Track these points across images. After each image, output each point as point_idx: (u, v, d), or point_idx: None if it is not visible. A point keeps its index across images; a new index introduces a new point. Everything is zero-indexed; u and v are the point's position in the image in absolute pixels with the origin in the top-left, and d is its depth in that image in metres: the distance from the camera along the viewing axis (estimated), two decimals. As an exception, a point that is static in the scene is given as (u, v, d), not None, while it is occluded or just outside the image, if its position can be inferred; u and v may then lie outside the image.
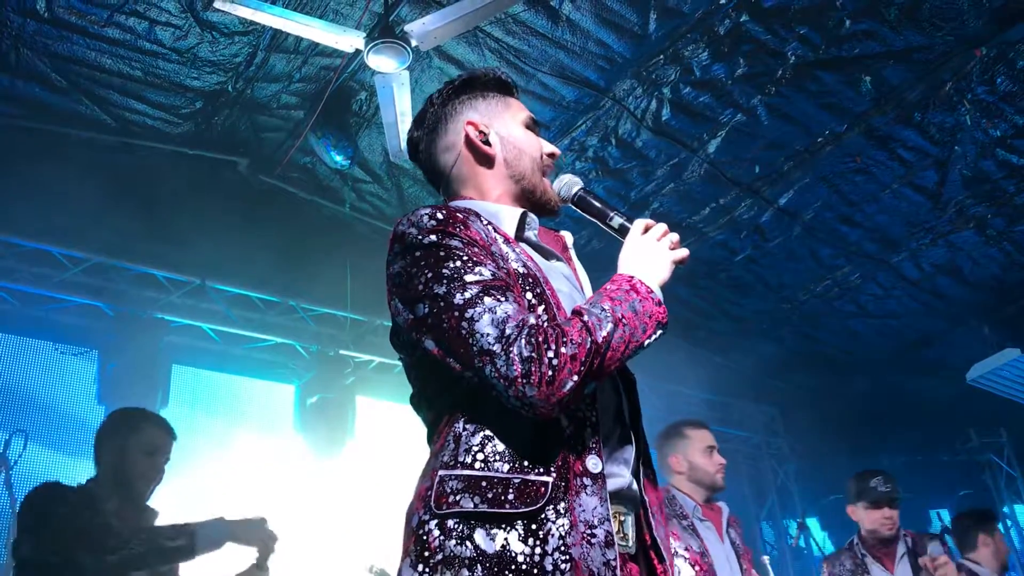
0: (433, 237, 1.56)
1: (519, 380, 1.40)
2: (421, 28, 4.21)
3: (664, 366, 7.64)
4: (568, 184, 1.88)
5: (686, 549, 3.49)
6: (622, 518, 1.57)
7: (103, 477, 3.20)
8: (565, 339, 1.44)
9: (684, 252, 1.71)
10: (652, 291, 1.59)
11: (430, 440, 1.62)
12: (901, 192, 6.05)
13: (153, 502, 3.36)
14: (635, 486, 1.62)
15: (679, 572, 1.81)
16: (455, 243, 1.55)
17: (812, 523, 9.14)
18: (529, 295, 1.58)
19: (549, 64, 5.11)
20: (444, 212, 1.61)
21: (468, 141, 1.87)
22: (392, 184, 6.24)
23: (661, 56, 5.07)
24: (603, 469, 1.49)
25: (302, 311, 6.36)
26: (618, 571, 1.40)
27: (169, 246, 5.66)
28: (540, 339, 1.43)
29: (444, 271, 1.51)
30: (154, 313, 5.68)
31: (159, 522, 3.32)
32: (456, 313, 1.47)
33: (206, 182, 5.85)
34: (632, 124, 5.56)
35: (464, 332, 1.46)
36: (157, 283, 5.75)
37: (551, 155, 1.92)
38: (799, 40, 4.88)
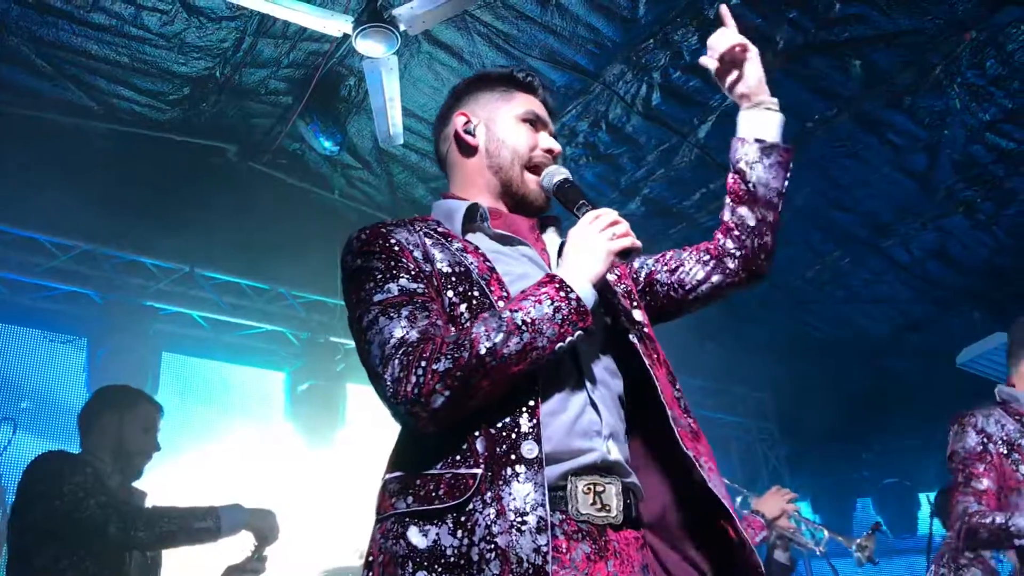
0: (358, 261, 1.65)
1: (391, 399, 1.47)
2: (409, 12, 4.18)
3: (655, 352, 7.64)
4: (551, 174, 1.86)
5: None
6: (600, 488, 1.56)
7: (100, 452, 3.19)
8: (439, 354, 1.46)
9: (625, 242, 1.64)
10: (570, 291, 1.55)
11: None
12: (891, 177, 6.05)
13: (141, 485, 3.36)
14: (614, 456, 1.61)
15: None
16: (373, 263, 1.62)
17: (804, 507, 9.19)
18: (450, 293, 1.60)
19: (538, 49, 5.09)
20: (368, 232, 1.68)
21: (455, 131, 1.93)
22: (381, 170, 6.21)
23: (651, 40, 5.05)
24: (539, 454, 1.46)
25: (292, 298, 6.35)
26: (549, 556, 1.39)
27: (157, 233, 5.63)
28: (412, 357, 1.46)
29: (361, 294, 1.60)
30: (143, 300, 5.66)
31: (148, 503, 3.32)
32: (363, 337, 1.56)
33: (194, 168, 5.82)
34: (622, 109, 5.54)
35: (365, 355, 1.55)
36: (146, 270, 5.73)
37: (548, 151, 1.91)
38: (789, 24, 4.86)
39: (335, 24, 4.28)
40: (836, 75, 5.21)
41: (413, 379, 1.44)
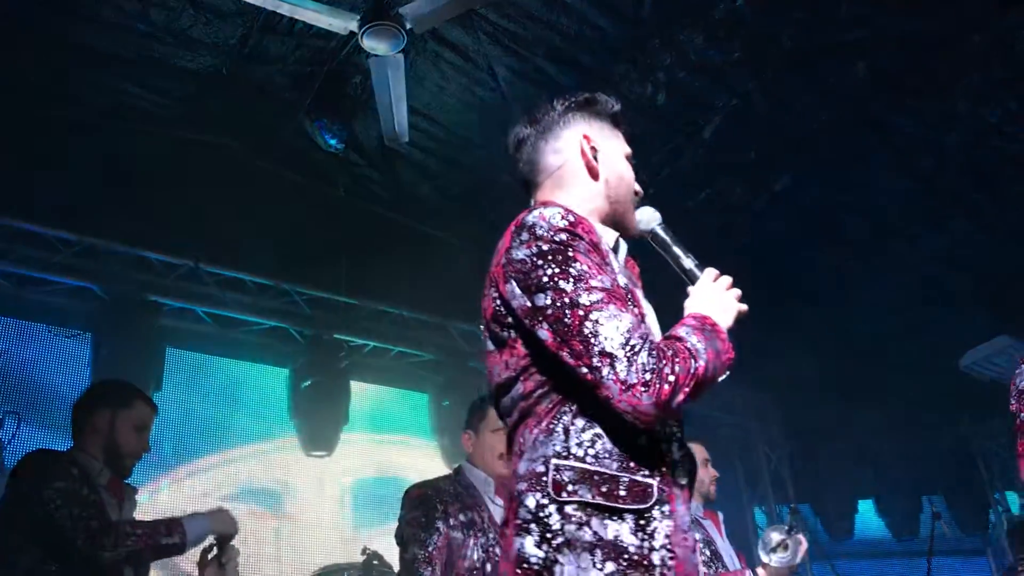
0: (563, 236, 1.68)
1: (637, 388, 1.55)
2: (415, 10, 4.18)
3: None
4: (648, 219, 2.02)
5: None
6: None
7: (92, 449, 3.19)
8: (678, 359, 1.59)
9: (745, 307, 1.87)
10: (726, 337, 1.75)
11: (519, 424, 1.74)
12: (897, 179, 6.05)
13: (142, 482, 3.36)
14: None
15: None
16: (582, 246, 1.69)
17: (805, 509, 9.18)
18: (635, 311, 1.71)
19: (544, 48, 5.09)
20: (574, 216, 1.73)
21: (580, 152, 1.99)
22: (387, 168, 6.22)
23: (656, 40, 5.04)
24: (688, 482, 1.68)
25: (296, 294, 6.35)
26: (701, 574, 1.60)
27: (162, 229, 5.64)
28: (660, 354, 1.58)
29: (571, 270, 1.64)
30: (147, 296, 5.66)
31: (139, 497, 3.33)
32: (581, 312, 1.60)
33: (199, 165, 5.83)
34: (627, 109, 5.53)
35: (587, 331, 1.59)
36: (150, 266, 5.74)
37: (638, 192, 2.05)
38: (795, 25, 4.86)
39: (341, 22, 4.28)
40: (842, 76, 5.21)
41: (665, 375, 1.55)
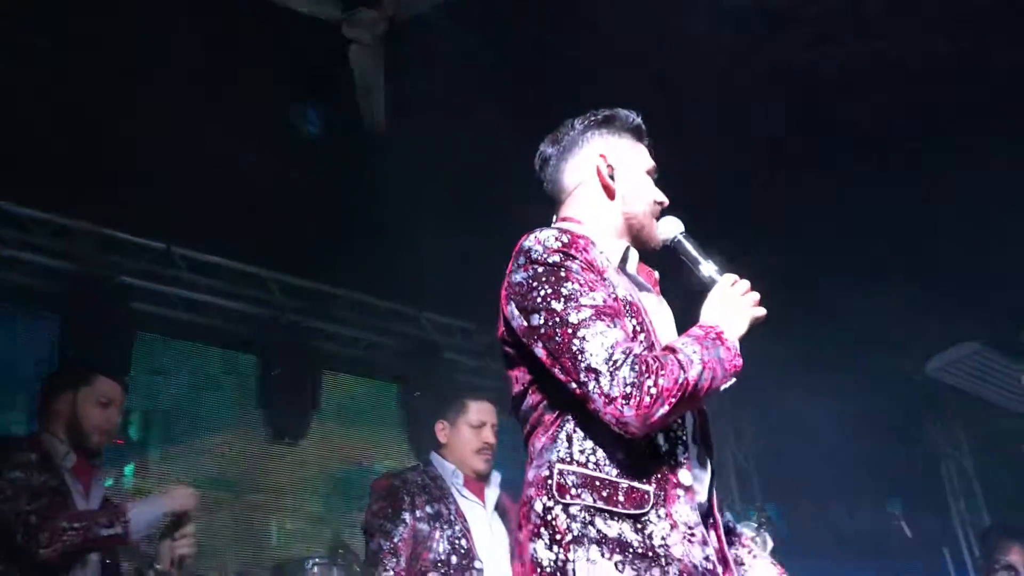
0: (556, 257, 1.80)
1: (619, 401, 1.64)
2: (400, -2, 4.16)
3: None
4: (670, 230, 2.10)
5: None
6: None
7: (56, 431, 3.15)
8: (663, 371, 1.67)
9: (762, 312, 1.93)
10: (735, 344, 1.82)
11: (531, 433, 1.88)
12: (874, 181, 6.09)
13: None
14: (706, 502, 1.88)
15: None
16: (575, 266, 1.79)
17: (771, 509, 9.25)
18: (633, 323, 1.81)
19: (535, 42, 5.05)
20: (568, 236, 1.85)
21: (596, 171, 2.09)
22: (365, 156, 6.15)
23: (652, 38, 5.03)
24: (693, 483, 1.76)
25: (269, 281, 6.29)
26: (716, 566, 1.70)
27: (135, 210, 5.56)
28: (642, 368, 1.66)
29: (562, 290, 1.76)
30: (118, 277, 5.59)
31: (104, 483, 3.29)
32: (570, 330, 1.71)
33: (175, 147, 5.73)
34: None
35: (575, 348, 1.70)
36: (122, 247, 5.66)
37: (660, 203, 2.14)
38: (793, 25, 4.88)
39: (323, 8, 4.25)
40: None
41: (646, 388, 1.64)
